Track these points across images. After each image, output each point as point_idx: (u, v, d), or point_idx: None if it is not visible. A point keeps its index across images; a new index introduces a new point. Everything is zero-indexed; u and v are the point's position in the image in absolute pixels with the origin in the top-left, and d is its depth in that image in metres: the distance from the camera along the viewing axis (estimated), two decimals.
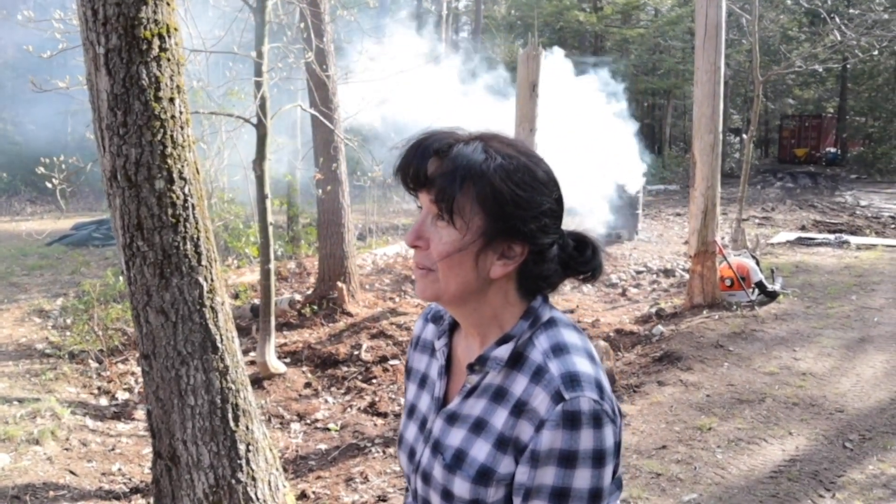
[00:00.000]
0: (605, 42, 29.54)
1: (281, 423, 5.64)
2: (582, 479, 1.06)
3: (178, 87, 2.87)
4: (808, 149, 29.80)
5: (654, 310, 8.28)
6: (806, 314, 7.52)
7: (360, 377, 6.57)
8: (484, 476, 1.12)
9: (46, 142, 17.57)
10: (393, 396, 6.14)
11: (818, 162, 29.19)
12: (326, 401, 6.16)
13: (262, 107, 5.60)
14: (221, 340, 3.01)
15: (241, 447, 3.03)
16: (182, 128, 2.89)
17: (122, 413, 5.69)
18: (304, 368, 6.76)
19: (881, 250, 11.01)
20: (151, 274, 2.85)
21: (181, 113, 2.89)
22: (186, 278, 2.90)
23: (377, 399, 6.06)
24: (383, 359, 6.87)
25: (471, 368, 1.18)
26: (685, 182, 24.46)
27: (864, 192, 20.78)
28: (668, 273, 10.54)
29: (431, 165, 1.10)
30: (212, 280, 3.00)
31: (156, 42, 2.77)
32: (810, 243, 11.76)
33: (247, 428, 3.07)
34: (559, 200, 1.16)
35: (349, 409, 5.96)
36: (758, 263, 8.31)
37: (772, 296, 8.04)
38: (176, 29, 2.87)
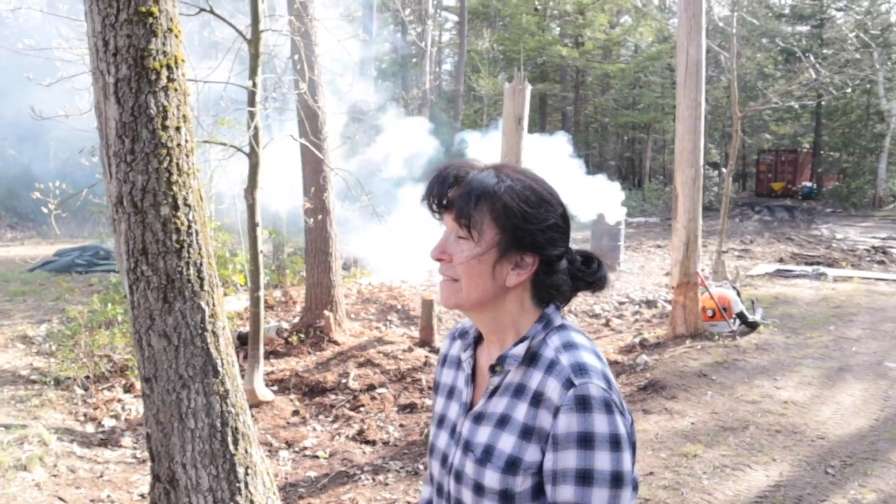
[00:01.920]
0: (586, 77, 30.09)
1: (269, 451, 5.63)
2: (602, 461, 1.16)
3: (184, 116, 2.96)
4: (784, 183, 30.36)
5: (637, 340, 8.39)
6: (786, 344, 7.66)
7: (347, 405, 6.59)
8: (512, 465, 1.23)
9: (24, 168, 17.51)
10: (381, 424, 6.16)
11: (794, 196, 29.73)
12: (314, 428, 6.16)
13: (255, 136, 5.69)
14: (222, 364, 3.06)
15: (241, 470, 3.06)
16: (187, 156, 2.97)
17: (108, 440, 5.65)
18: (292, 396, 6.76)
19: (857, 282, 11.25)
20: (155, 298, 2.91)
21: (186, 141, 2.97)
22: (189, 303, 2.95)
23: (365, 427, 6.08)
24: (371, 387, 6.89)
25: (492, 370, 1.31)
26: (665, 214, 24.83)
27: (839, 226, 21.18)
28: (650, 304, 10.68)
29: (452, 191, 1.28)
30: (213, 305, 3.05)
31: (164, 73, 2.86)
32: (788, 275, 11.99)
33: (246, 451, 3.10)
34: (564, 217, 1.32)
35: (337, 437, 5.97)
36: (738, 294, 8.47)
37: (752, 326, 8.19)
38: (183, 60, 2.96)
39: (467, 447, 1.30)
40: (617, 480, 1.17)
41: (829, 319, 8.72)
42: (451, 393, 1.45)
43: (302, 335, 8.09)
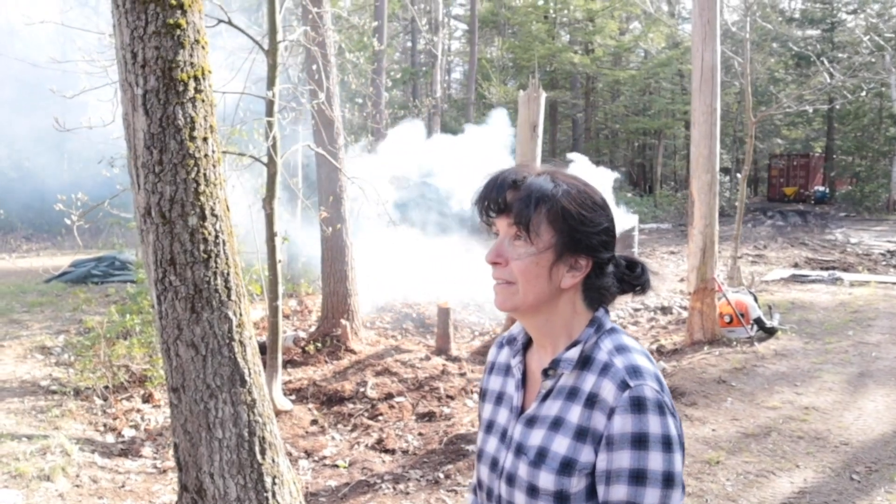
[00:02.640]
0: (596, 83, 30.09)
1: (289, 461, 5.63)
2: (655, 461, 1.19)
3: (210, 126, 2.98)
4: (796, 187, 30.21)
5: (654, 346, 8.35)
6: (805, 350, 7.61)
7: (366, 414, 6.58)
8: (567, 466, 1.25)
9: (40, 180, 17.65)
10: (400, 433, 6.15)
11: (807, 200, 29.57)
12: (333, 438, 6.16)
13: (274, 146, 5.71)
14: (249, 374, 3.07)
15: (268, 480, 3.06)
16: (214, 166, 2.99)
17: (129, 450, 5.67)
18: (310, 405, 6.76)
19: (874, 286, 11.17)
20: (183, 308, 2.92)
21: (213, 152, 2.99)
22: (217, 312, 2.97)
23: (384, 436, 6.07)
24: (389, 396, 6.88)
25: (545, 373, 1.34)
26: (677, 220, 24.75)
27: (853, 230, 21.05)
28: (665, 310, 10.63)
29: (509, 194, 1.30)
30: (241, 315, 3.06)
31: (191, 84, 2.88)
32: (804, 280, 11.91)
33: (273, 461, 3.11)
34: (612, 222, 1.36)
35: (356, 446, 5.96)
36: (755, 300, 8.42)
37: (770, 332, 8.14)
38: (210, 71, 2.99)
39: (520, 450, 1.32)
40: (668, 481, 1.19)
41: (848, 324, 8.66)
42: (499, 399, 1.47)
43: (319, 344, 8.10)
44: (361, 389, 7.01)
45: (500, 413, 1.45)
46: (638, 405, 1.21)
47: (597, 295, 1.36)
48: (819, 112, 27.30)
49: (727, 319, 8.09)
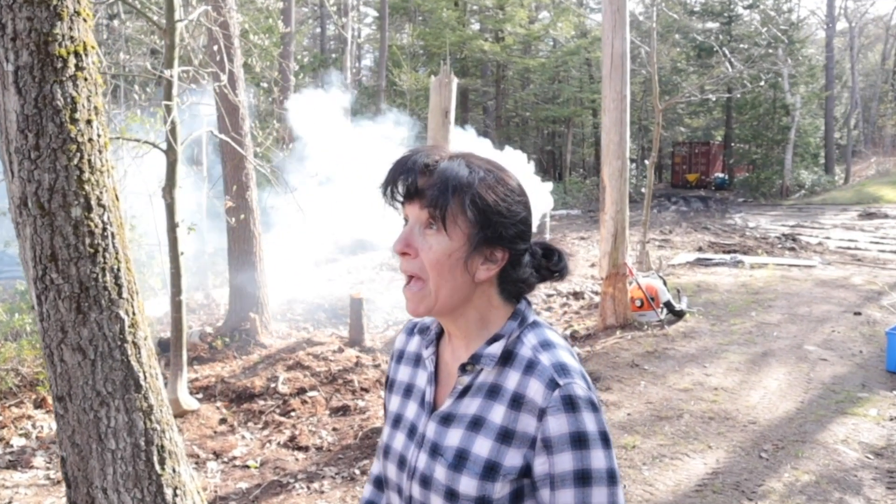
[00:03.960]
0: (506, 71, 30.31)
1: (196, 463, 5.34)
2: (598, 459, 1.14)
3: (95, 108, 2.70)
4: (698, 174, 31.45)
5: (568, 332, 8.44)
6: (712, 331, 7.85)
7: (277, 411, 6.34)
8: (490, 471, 1.17)
9: None
10: (313, 429, 5.95)
11: (708, 186, 30.84)
12: (244, 437, 5.90)
13: (173, 132, 5.37)
14: (145, 378, 2.81)
15: (168, 492, 2.82)
16: (100, 152, 2.71)
17: (18, 461, 5.24)
18: (219, 404, 6.46)
19: (773, 268, 11.68)
20: (67, 308, 2.64)
21: (99, 136, 2.71)
22: (106, 312, 2.70)
23: (297, 433, 5.86)
24: (301, 390, 6.66)
25: (462, 369, 1.25)
26: (587, 207, 25.32)
27: (751, 215, 22.06)
28: (577, 296, 10.78)
29: (420, 179, 1.19)
30: (133, 314, 2.80)
31: (72, 60, 2.59)
32: (708, 263, 12.34)
33: (174, 471, 2.87)
34: (530, 211, 1.27)
35: (268, 445, 5.73)
36: (665, 284, 8.63)
37: (679, 315, 8.36)
38: (93, 47, 2.70)
39: (436, 450, 1.23)
40: (612, 478, 1.15)
41: (750, 306, 9.00)
42: (408, 391, 1.38)
43: (227, 339, 7.77)
44: (272, 385, 6.76)
45: (408, 407, 1.35)
46: (571, 404, 1.14)
47: (513, 287, 1.27)
48: (719, 102, 28.48)
49: (638, 304, 8.24)
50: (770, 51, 20.38)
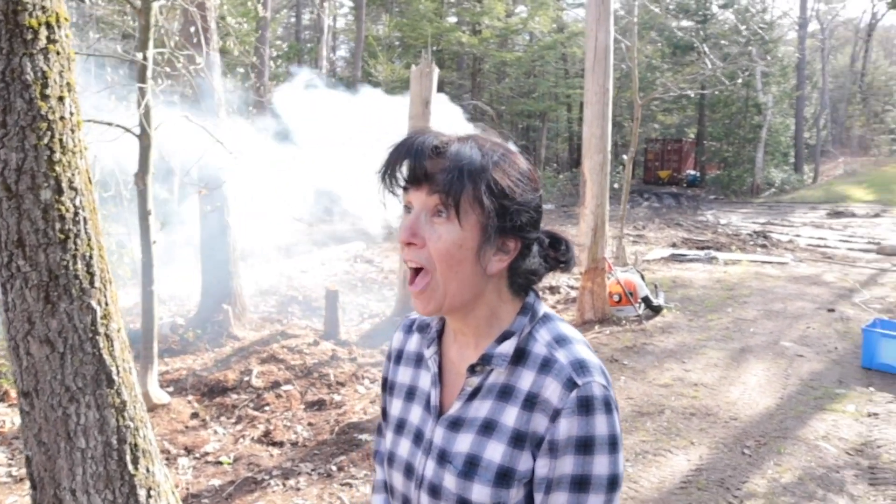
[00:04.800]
0: (483, 65, 30.20)
1: (167, 459, 5.17)
2: (600, 465, 1.07)
3: (68, 84, 2.53)
4: (670, 171, 31.66)
5: None
6: (689, 327, 7.84)
7: (251, 405, 6.17)
8: (504, 477, 1.10)
9: None
10: (288, 424, 5.80)
11: (680, 183, 31.06)
12: (216, 432, 5.73)
13: (146, 116, 5.17)
14: (118, 372, 2.66)
15: (142, 493, 2.67)
16: (73, 131, 2.55)
17: None
18: (190, 397, 6.27)
19: (746, 264, 11.76)
20: (35, 298, 2.47)
21: (72, 114, 2.55)
22: (77, 302, 2.54)
23: (272, 427, 5.71)
24: (276, 384, 6.50)
25: (472, 370, 1.17)
26: (560, 202, 25.34)
27: (722, 212, 22.26)
28: (553, 290, 10.73)
29: (429, 163, 1.10)
30: (106, 304, 2.65)
31: (43, 32, 2.42)
32: (683, 259, 12.39)
33: (147, 470, 2.72)
34: (541, 196, 1.20)
35: (242, 440, 5.57)
36: (642, 279, 8.61)
37: (657, 310, 8.35)
38: (66, 19, 2.53)
39: (444, 457, 1.15)
40: (612, 484, 1.08)
41: (726, 301, 9.03)
42: (410, 394, 1.28)
43: (199, 331, 7.57)
44: (246, 378, 6.59)
45: (412, 411, 1.25)
46: (586, 406, 1.07)
47: (523, 280, 1.20)
48: (691, 99, 28.68)
49: (616, 298, 8.21)
50: (750, 48, 20.56)
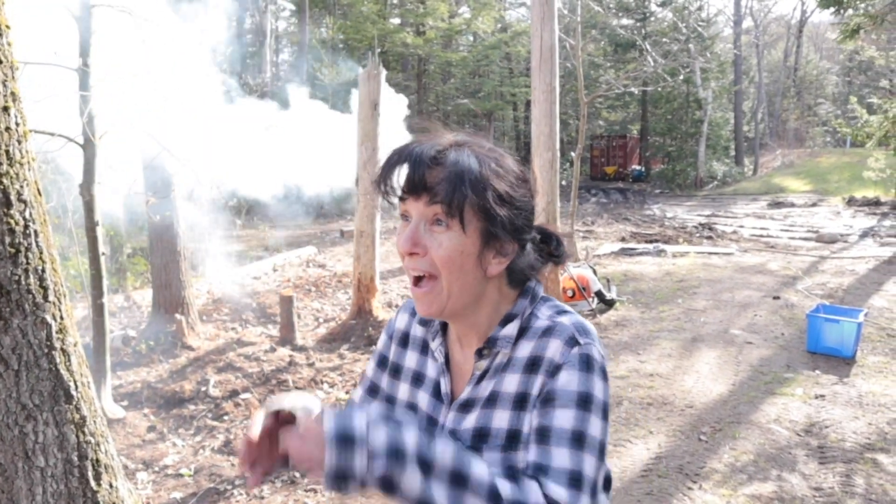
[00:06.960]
0: (428, 66, 30.24)
1: (125, 474, 5.05)
2: (595, 427, 1.11)
3: (12, 94, 2.46)
4: (616, 167, 32.22)
5: None
6: (642, 319, 8.00)
7: (210, 415, 6.08)
8: (513, 440, 1.14)
9: None
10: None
11: (626, 179, 31.64)
12: (175, 444, 5.62)
13: (90, 125, 5.05)
14: (76, 388, 2.59)
15: None
16: (19, 142, 2.48)
17: None
18: (146, 410, 6.14)
19: (694, 256, 12.05)
20: None
21: (18, 125, 2.48)
22: (31, 318, 2.47)
23: (232, 437, 5.63)
24: (234, 393, 6.41)
25: (479, 354, 1.21)
26: None
27: (668, 205, 22.76)
28: None
29: (428, 173, 1.11)
30: (61, 318, 2.58)
31: None
32: (632, 253, 12.63)
33: (111, 486, 2.66)
34: (533, 195, 1.25)
35: (202, 451, 5.48)
36: (595, 273, 8.75)
37: (610, 304, 8.49)
38: (8, 27, 2.46)
39: (454, 436, 1.19)
40: (601, 451, 1.13)
41: (676, 293, 9.24)
42: (417, 380, 1.31)
43: (151, 342, 7.41)
44: (203, 388, 6.48)
45: (419, 396, 1.29)
46: (587, 363, 1.12)
47: (522, 276, 1.25)
48: (635, 96, 29.25)
49: (570, 294, 8.33)
50: (689, 45, 21.09)
